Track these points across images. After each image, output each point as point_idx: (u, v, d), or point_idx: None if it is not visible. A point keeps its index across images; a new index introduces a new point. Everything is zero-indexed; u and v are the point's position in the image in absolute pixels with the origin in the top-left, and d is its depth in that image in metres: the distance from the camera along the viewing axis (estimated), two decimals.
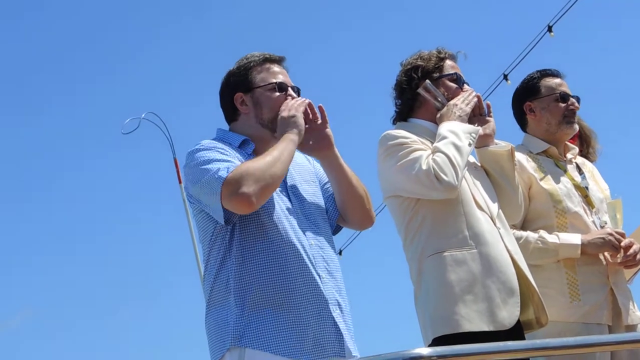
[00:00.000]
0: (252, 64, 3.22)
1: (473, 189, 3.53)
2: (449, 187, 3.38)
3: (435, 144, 3.47)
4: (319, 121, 3.20)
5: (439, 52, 3.68)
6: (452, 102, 3.57)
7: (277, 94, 3.18)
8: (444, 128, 3.49)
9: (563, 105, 4.01)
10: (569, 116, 4.01)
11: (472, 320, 3.31)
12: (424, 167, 3.38)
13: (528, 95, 4.08)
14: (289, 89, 3.21)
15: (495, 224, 3.50)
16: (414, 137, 3.51)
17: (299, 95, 3.23)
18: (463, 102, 3.57)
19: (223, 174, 2.94)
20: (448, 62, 3.68)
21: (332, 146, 3.21)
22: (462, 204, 3.47)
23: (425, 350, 2.48)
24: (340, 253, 12.25)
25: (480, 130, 3.56)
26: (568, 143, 4.11)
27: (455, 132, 3.46)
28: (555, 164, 3.99)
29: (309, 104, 3.17)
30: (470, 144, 3.47)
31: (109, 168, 17.60)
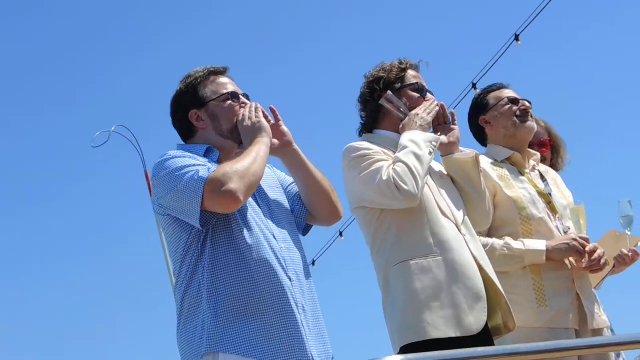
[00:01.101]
0: (198, 80, 3.27)
1: (437, 197, 3.56)
2: (410, 196, 3.41)
3: (396, 154, 3.51)
4: (272, 121, 3.24)
5: (401, 63, 3.73)
6: (413, 112, 3.62)
7: (231, 102, 3.24)
8: (405, 138, 3.53)
9: (515, 107, 4.09)
10: (522, 115, 4.09)
11: (439, 327, 3.33)
12: (385, 177, 3.42)
13: (480, 111, 4.18)
14: (241, 96, 3.26)
15: (460, 231, 3.54)
16: (376, 149, 3.55)
17: (250, 101, 3.28)
18: (424, 111, 3.61)
19: (204, 174, 2.97)
20: (410, 72, 3.73)
21: (291, 142, 3.28)
22: (427, 212, 3.50)
23: (395, 359, 2.50)
24: (313, 263, 12.25)
25: (441, 138, 3.60)
26: (530, 150, 4.16)
27: (416, 142, 3.50)
28: (519, 172, 4.04)
29: (261, 107, 3.23)
30: (430, 153, 3.52)
31: (78, 181, 17.52)
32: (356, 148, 3.55)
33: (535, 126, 4.15)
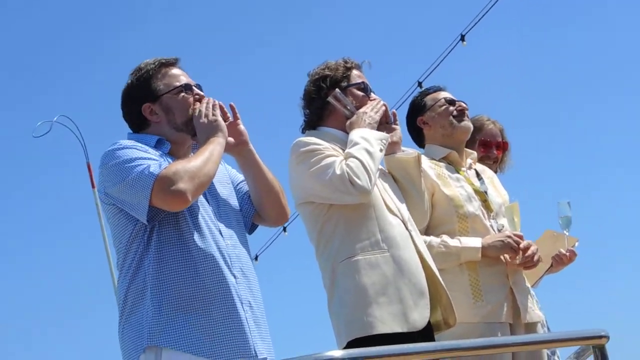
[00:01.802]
0: (150, 73, 3.23)
1: (384, 194, 3.60)
2: (363, 191, 3.44)
3: (347, 150, 3.53)
4: (231, 119, 3.24)
5: (346, 62, 3.77)
6: (361, 110, 3.66)
7: (184, 94, 3.21)
8: (356, 134, 3.56)
9: (451, 107, 4.16)
10: (458, 115, 4.15)
11: (386, 322, 3.37)
12: (338, 172, 3.44)
13: (417, 113, 4.24)
14: (194, 87, 3.24)
15: (407, 227, 3.58)
16: (325, 144, 3.57)
17: (202, 91, 3.26)
18: (372, 110, 3.66)
19: (155, 170, 2.95)
20: (355, 72, 3.77)
21: (247, 142, 3.27)
22: (374, 209, 3.53)
23: (337, 353, 2.52)
24: (256, 258, 12.26)
25: (389, 137, 3.64)
26: (467, 149, 4.23)
27: (367, 139, 3.54)
28: (456, 170, 4.11)
29: (221, 104, 3.22)
30: (381, 150, 3.56)
31: (19, 172, 17.25)
32: (305, 143, 3.57)
33: (471, 126, 4.21)
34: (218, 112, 3.18)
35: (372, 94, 3.76)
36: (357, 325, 3.39)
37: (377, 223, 3.52)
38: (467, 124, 4.17)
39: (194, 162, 3.00)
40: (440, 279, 3.59)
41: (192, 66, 3.33)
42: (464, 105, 4.19)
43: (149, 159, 3.02)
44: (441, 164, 4.10)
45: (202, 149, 3.07)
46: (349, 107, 3.67)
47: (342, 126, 3.69)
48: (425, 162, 4.04)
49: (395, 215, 3.58)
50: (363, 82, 3.75)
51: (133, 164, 2.99)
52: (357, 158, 3.47)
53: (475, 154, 4.27)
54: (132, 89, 3.24)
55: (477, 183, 4.11)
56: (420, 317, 3.43)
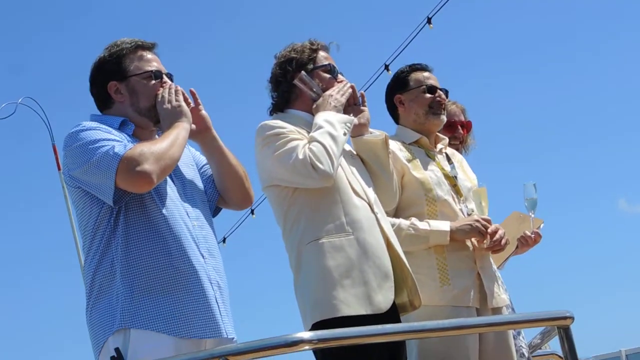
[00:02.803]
0: (124, 52, 3.21)
1: (350, 177, 3.61)
2: (325, 175, 3.45)
3: (311, 134, 3.53)
4: (192, 105, 3.23)
5: (312, 44, 3.75)
6: (327, 92, 3.65)
7: (153, 81, 3.20)
8: (320, 118, 3.56)
9: (429, 96, 4.13)
10: (434, 107, 4.13)
11: (351, 304, 3.38)
12: (300, 156, 3.44)
13: (398, 89, 4.20)
14: (164, 76, 3.22)
15: (373, 210, 3.60)
16: (290, 127, 3.57)
17: (172, 82, 3.24)
18: (338, 92, 3.66)
19: (120, 151, 2.93)
20: (321, 53, 3.75)
21: (209, 128, 3.27)
22: (339, 192, 3.54)
23: (306, 335, 2.54)
24: (224, 241, 12.23)
25: (355, 120, 3.65)
26: (439, 134, 4.24)
27: (331, 122, 3.54)
28: (426, 154, 4.11)
29: (182, 90, 3.20)
30: (345, 134, 3.55)
31: None
32: (270, 126, 3.56)
33: (445, 119, 4.19)
34: (181, 97, 3.17)
35: (339, 76, 3.76)
36: (322, 307, 3.40)
37: (342, 206, 3.53)
38: (442, 117, 4.15)
39: (160, 145, 2.99)
40: (406, 261, 3.61)
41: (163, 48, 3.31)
42: (443, 97, 4.16)
43: (113, 140, 3.00)
44: (411, 147, 4.11)
45: (168, 132, 3.06)
46: (315, 90, 3.67)
47: (309, 109, 3.69)
48: (395, 145, 4.05)
49: (361, 197, 3.59)
50: (330, 64, 3.73)
51: (97, 145, 2.97)
52: (320, 142, 3.47)
53: (446, 139, 4.27)
54: (103, 64, 3.22)
55: (447, 167, 4.12)
56: (384, 299, 3.45)
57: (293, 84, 3.69)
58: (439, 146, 4.20)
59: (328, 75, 3.72)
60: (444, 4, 8.01)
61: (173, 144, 3.02)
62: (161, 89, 3.19)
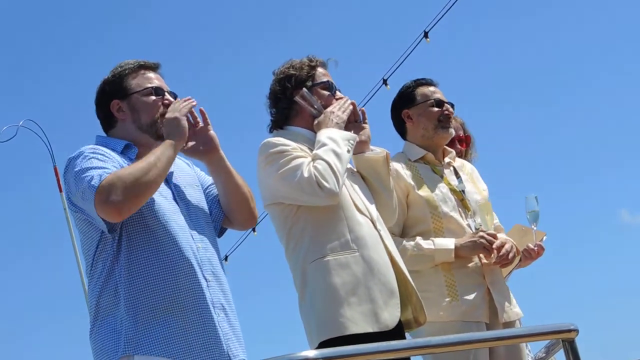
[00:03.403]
0: (126, 71, 3.23)
1: (352, 194, 3.60)
2: (331, 193, 3.44)
3: (315, 151, 3.53)
4: (201, 124, 3.22)
5: (310, 60, 3.75)
6: (328, 109, 3.64)
7: (154, 97, 3.20)
8: (323, 135, 3.56)
9: (437, 110, 4.15)
10: (443, 121, 4.14)
11: (357, 322, 3.38)
12: (306, 174, 3.44)
13: (405, 104, 4.21)
14: (166, 93, 3.23)
15: (376, 227, 3.59)
16: (293, 145, 3.56)
17: (175, 99, 3.23)
18: (339, 109, 3.65)
19: (96, 182, 2.92)
20: (320, 70, 3.75)
21: (217, 148, 3.25)
22: (343, 209, 3.54)
23: (311, 353, 2.53)
24: (225, 259, 12.23)
25: (357, 137, 3.65)
26: (447, 147, 4.24)
27: (335, 139, 3.54)
28: (432, 170, 4.11)
29: (193, 109, 3.20)
30: (349, 151, 3.55)
31: None
32: (274, 144, 3.56)
33: (453, 133, 4.21)
34: (185, 111, 3.15)
35: (338, 92, 3.76)
36: (329, 326, 3.39)
37: (347, 223, 3.53)
38: (450, 130, 4.17)
39: (131, 170, 2.94)
40: (409, 277, 3.61)
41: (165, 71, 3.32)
42: (451, 110, 4.17)
43: (100, 167, 2.98)
44: (417, 164, 4.11)
45: (151, 152, 3.02)
46: (316, 107, 3.67)
47: (309, 125, 3.69)
48: (399, 165, 4.05)
49: (364, 214, 3.59)
50: (328, 81, 3.73)
51: (85, 174, 2.97)
52: (324, 160, 3.46)
53: (454, 152, 4.27)
54: (106, 84, 3.25)
55: (454, 182, 4.12)
56: (390, 316, 3.45)
57: (292, 101, 3.69)
58: (447, 160, 4.20)
59: (327, 92, 3.72)
60: (440, 17, 8.03)
61: (150, 167, 2.96)
62: (166, 108, 3.17)
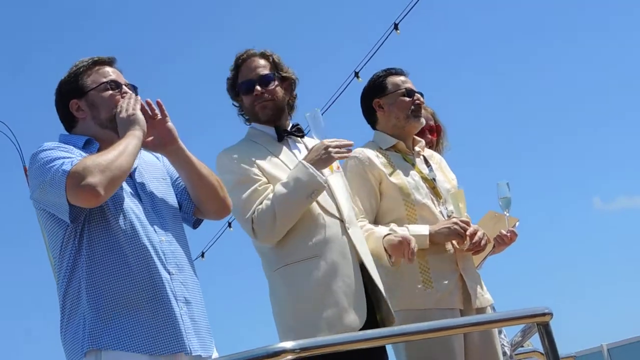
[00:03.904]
0: (81, 69, 3.21)
1: (321, 195, 3.60)
2: (264, 241, 3.57)
3: (278, 186, 3.55)
4: (159, 117, 3.20)
5: (236, 60, 3.81)
6: (327, 141, 3.62)
7: (111, 92, 3.18)
8: (298, 172, 3.57)
9: (409, 100, 4.16)
10: (415, 110, 4.16)
11: (322, 328, 3.40)
12: (249, 214, 3.55)
13: (376, 93, 4.22)
14: (123, 86, 3.21)
15: (345, 228, 3.60)
16: (255, 175, 3.60)
17: (136, 93, 3.22)
18: (336, 147, 3.62)
19: (67, 167, 2.91)
20: (243, 67, 3.80)
21: (176, 140, 3.21)
22: (309, 214, 3.57)
23: (288, 344, 2.53)
24: (202, 255, 12.20)
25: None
26: (416, 137, 4.26)
27: (299, 185, 3.53)
28: (404, 158, 4.13)
29: (147, 101, 3.18)
30: (309, 197, 3.54)
31: None
32: (227, 164, 3.65)
33: (424, 122, 4.23)
34: (138, 106, 3.13)
35: (256, 88, 3.73)
36: (294, 333, 3.39)
37: (310, 229, 3.55)
38: (421, 120, 4.19)
39: (105, 156, 2.94)
40: (378, 282, 3.60)
41: (128, 66, 3.30)
42: (422, 99, 4.18)
43: (66, 157, 2.98)
44: (388, 152, 4.12)
45: (116, 143, 3.02)
46: (318, 134, 3.68)
47: (257, 121, 3.76)
48: (372, 152, 4.07)
49: (333, 216, 3.60)
50: (242, 82, 3.76)
51: (50, 164, 2.95)
52: (272, 207, 3.52)
53: (423, 142, 4.29)
54: (63, 85, 3.22)
55: (425, 170, 4.13)
56: (357, 318, 3.46)
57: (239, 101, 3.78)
58: (417, 149, 4.22)
59: (247, 94, 3.75)
60: (410, 9, 8.07)
61: (120, 154, 2.96)
62: (121, 100, 3.17)
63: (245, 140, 3.77)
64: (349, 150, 3.68)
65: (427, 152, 4.30)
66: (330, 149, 3.60)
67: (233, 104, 3.85)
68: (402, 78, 4.22)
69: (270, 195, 3.54)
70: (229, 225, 11.48)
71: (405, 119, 4.15)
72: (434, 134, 4.72)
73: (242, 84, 3.77)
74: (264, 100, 3.74)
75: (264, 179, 3.60)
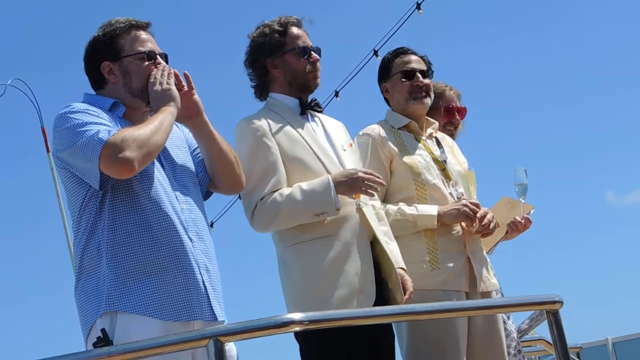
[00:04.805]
0: (118, 31, 3.17)
1: (337, 171, 3.57)
2: (258, 231, 3.56)
3: (292, 189, 3.51)
4: (185, 88, 3.19)
5: (280, 24, 3.69)
6: (362, 172, 3.54)
7: (146, 63, 3.16)
8: (317, 185, 3.51)
9: (408, 82, 4.10)
10: (415, 92, 4.08)
11: (334, 306, 3.38)
12: (261, 198, 3.50)
13: (383, 77, 4.19)
14: (157, 56, 3.19)
15: (361, 206, 3.57)
16: (272, 157, 3.55)
17: (167, 62, 3.21)
18: (366, 181, 3.53)
19: (104, 136, 2.90)
20: (293, 32, 3.69)
21: (201, 113, 3.22)
22: None
23: (297, 316, 2.54)
24: (211, 225, 12.23)
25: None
26: (429, 118, 4.23)
27: (313, 200, 3.49)
28: (415, 138, 4.09)
29: (175, 72, 3.16)
30: (315, 216, 3.49)
31: None
32: (248, 129, 3.59)
33: (429, 103, 4.13)
34: (172, 80, 3.13)
35: (313, 54, 3.68)
36: (306, 309, 3.32)
37: None
38: (424, 101, 4.09)
39: (143, 130, 2.94)
40: (390, 256, 3.58)
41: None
42: (422, 80, 4.08)
43: (100, 123, 2.97)
44: (400, 132, 4.09)
45: (153, 117, 3.03)
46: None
47: (286, 90, 3.70)
48: (384, 131, 4.04)
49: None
50: (299, 47, 3.68)
51: (83, 128, 2.94)
52: (283, 205, 3.47)
53: (437, 123, 4.25)
54: (96, 43, 3.19)
55: (436, 152, 4.10)
56: (366, 298, 3.45)
57: (266, 69, 3.68)
58: (429, 130, 4.18)
59: (301, 59, 3.66)
60: None
61: (157, 130, 2.97)
62: (154, 70, 3.15)
63: (265, 110, 3.72)
64: (376, 190, 3.59)
65: (439, 135, 4.26)
66: (359, 181, 3.53)
67: (254, 65, 3.74)
68: (405, 58, 4.14)
69: (284, 191, 3.50)
70: (239, 197, 11.44)
71: (405, 101, 4.10)
72: (460, 116, 4.67)
73: (300, 48, 3.67)
74: (317, 69, 3.70)
75: (279, 156, 3.56)
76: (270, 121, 3.62)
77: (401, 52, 4.18)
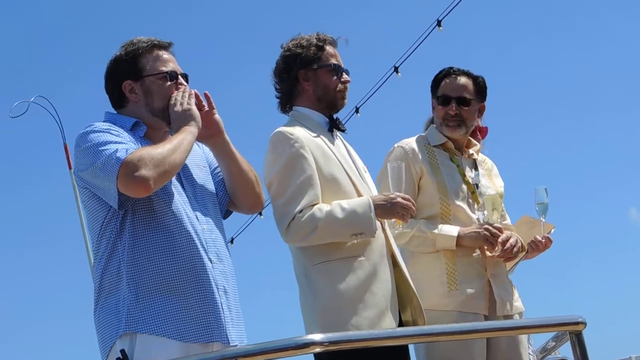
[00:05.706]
0: (140, 51, 3.18)
1: (365, 195, 3.56)
2: (287, 242, 3.52)
3: (332, 206, 3.46)
4: (206, 108, 3.20)
5: (319, 39, 3.66)
6: (400, 197, 3.51)
7: (168, 83, 3.17)
8: (358, 204, 3.47)
9: (441, 108, 4.08)
10: (447, 119, 4.06)
11: (361, 328, 3.36)
12: (294, 210, 3.44)
13: (432, 92, 4.16)
14: (179, 77, 3.20)
15: (383, 227, 3.57)
16: (309, 170, 3.49)
17: (187, 82, 3.21)
18: (403, 207, 3.51)
19: (122, 155, 2.91)
20: (328, 50, 3.66)
21: (222, 132, 3.22)
22: None
23: (317, 337, 2.51)
24: (231, 241, 12.23)
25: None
26: (472, 139, 4.19)
27: (354, 219, 3.45)
28: (450, 158, 4.07)
29: (195, 92, 3.17)
30: (352, 236, 3.46)
31: None
32: (285, 139, 3.52)
33: (462, 132, 4.08)
34: (193, 101, 3.13)
35: (344, 75, 3.66)
36: (331, 328, 3.33)
37: None
38: (454, 130, 4.05)
39: (160, 149, 2.94)
40: (411, 281, 3.57)
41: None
42: (454, 110, 4.02)
43: (120, 142, 2.97)
44: (436, 150, 4.07)
45: (173, 137, 3.03)
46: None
47: (314, 105, 3.66)
48: (419, 146, 4.02)
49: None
50: (333, 64, 3.64)
51: (103, 148, 2.95)
52: (319, 222, 3.43)
53: (478, 145, 4.22)
54: (118, 62, 3.20)
55: (470, 174, 4.08)
56: (391, 320, 3.44)
57: (297, 80, 3.64)
58: (470, 151, 4.14)
59: (333, 77, 3.65)
60: (455, 6, 8.00)
61: (175, 149, 2.97)
62: (175, 91, 3.16)
63: (295, 121, 3.65)
64: (406, 220, 3.57)
65: (480, 157, 4.22)
66: (397, 206, 3.51)
67: (285, 74, 3.67)
68: (448, 81, 4.10)
69: (323, 207, 3.46)
70: (260, 213, 11.46)
71: (440, 125, 4.10)
72: (482, 135, 4.64)
73: (334, 65, 3.65)
74: (346, 89, 3.69)
75: (315, 170, 3.51)
76: (306, 134, 3.58)
77: (451, 72, 4.12)
